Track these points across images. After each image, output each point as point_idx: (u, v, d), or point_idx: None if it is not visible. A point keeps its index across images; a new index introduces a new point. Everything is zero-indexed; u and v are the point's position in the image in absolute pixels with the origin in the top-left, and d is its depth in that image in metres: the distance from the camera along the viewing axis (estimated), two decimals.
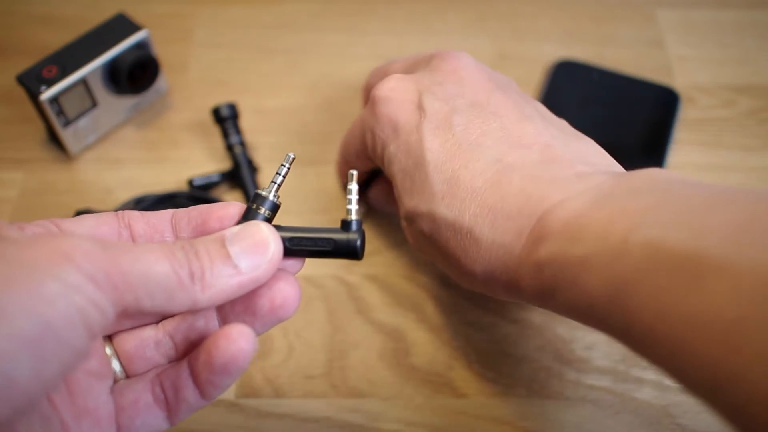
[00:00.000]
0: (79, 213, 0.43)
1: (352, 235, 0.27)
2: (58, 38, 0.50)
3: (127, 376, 0.28)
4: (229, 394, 0.38)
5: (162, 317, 0.28)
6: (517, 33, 0.56)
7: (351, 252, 0.27)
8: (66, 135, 0.47)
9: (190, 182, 0.46)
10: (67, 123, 0.46)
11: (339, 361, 0.40)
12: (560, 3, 0.58)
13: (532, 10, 0.58)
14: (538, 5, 0.58)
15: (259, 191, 0.27)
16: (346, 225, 0.27)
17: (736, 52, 0.55)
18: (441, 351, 0.40)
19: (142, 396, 0.27)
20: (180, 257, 0.24)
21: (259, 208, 0.27)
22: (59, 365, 0.21)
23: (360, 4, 0.58)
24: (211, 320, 0.28)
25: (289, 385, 0.39)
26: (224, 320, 0.28)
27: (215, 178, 0.46)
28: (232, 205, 0.28)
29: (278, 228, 0.27)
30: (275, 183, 0.28)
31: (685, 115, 0.51)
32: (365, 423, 0.38)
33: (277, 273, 0.27)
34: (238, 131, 0.47)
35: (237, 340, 0.25)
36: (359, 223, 0.27)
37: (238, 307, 0.27)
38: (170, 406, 0.27)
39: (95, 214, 0.27)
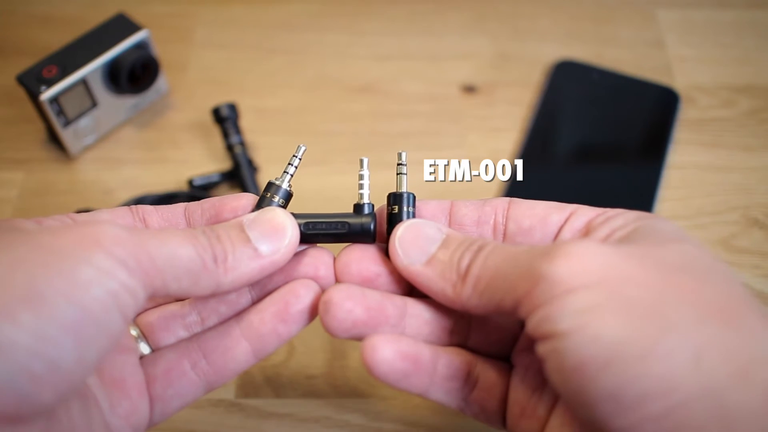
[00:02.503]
0: (79, 213, 0.43)
1: (366, 218, 0.28)
2: (58, 38, 0.50)
3: (152, 349, 0.28)
4: (229, 394, 0.38)
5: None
6: (517, 33, 0.56)
7: (365, 234, 0.28)
8: (66, 135, 0.47)
9: (190, 182, 0.46)
10: (67, 123, 0.46)
11: (339, 361, 0.40)
12: (560, 3, 0.58)
13: (532, 10, 0.58)
14: (538, 5, 0.58)
15: (273, 180, 0.28)
16: (358, 208, 0.28)
17: (736, 52, 0.55)
18: None
19: (176, 364, 0.27)
20: (203, 241, 0.24)
21: (273, 197, 0.28)
22: (97, 350, 0.21)
23: (360, 4, 0.58)
24: (244, 294, 0.28)
25: (289, 385, 0.39)
26: (261, 291, 0.29)
27: (215, 178, 0.46)
28: (245, 196, 0.28)
29: (293, 214, 0.27)
30: (287, 173, 0.28)
31: (685, 115, 0.51)
32: (365, 423, 0.38)
33: (316, 248, 0.28)
34: (238, 131, 0.47)
35: (314, 288, 0.27)
36: (371, 206, 0.28)
37: (278, 277, 0.28)
38: (215, 369, 0.27)
39: (110, 209, 0.28)
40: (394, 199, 0.28)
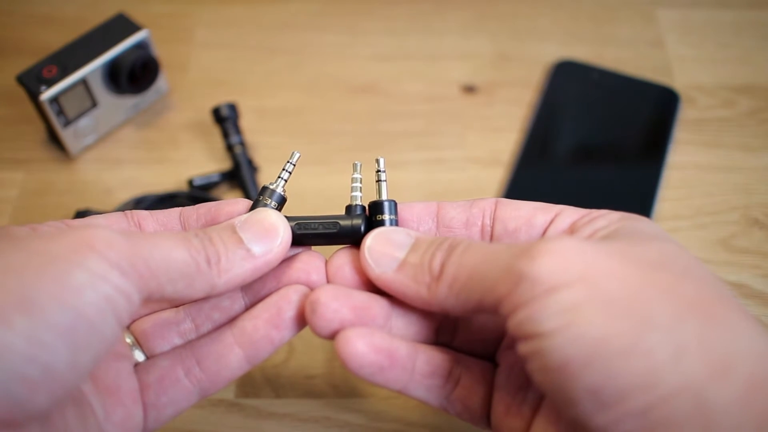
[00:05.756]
0: (79, 213, 0.43)
1: (356, 219, 0.28)
2: (58, 38, 0.50)
3: (146, 356, 0.28)
4: (229, 394, 0.38)
5: (180, 305, 0.29)
6: (517, 33, 0.56)
7: (355, 234, 0.28)
8: (66, 135, 0.47)
9: (190, 182, 0.46)
10: (67, 123, 0.46)
11: (339, 361, 0.40)
12: (560, 3, 0.58)
13: (532, 10, 0.58)
14: (538, 5, 0.58)
15: (267, 185, 0.28)
16: (350, 210, 0.28)
17: (736, 52, 0.55)
18: None
19: (169, 372, 0.27)
20: (196, 244, 0.24)
21: (266, 200, 0.28)
22: (92, 354, 0.21)
23: (360, 4, 0.58)
24: (237, 300, 0.29)
25: (289, 385, 0.39)
26: (255, 297, 0.29)
27: (215, 178, 0.46)
28: (240, 202, 0.28)
29: (285, 217, 0.28)
30: (282, 178, 0.28)
31: (685, 115, 0.51)
32: (365, 423, 0.38)
33: (307, 252, 0.28)
34: (238, 131, 0.47)
35: (306, 293, 0.27)
36: (363, 207, 0.28)
37: (270, 282, 0.28)
38: (209, 375, 0.27)
39: (104, 215, 0.28)
40: (376, 207, 0.28)
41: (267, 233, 0.26)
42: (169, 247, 0.24)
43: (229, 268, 0.25)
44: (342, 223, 0.28)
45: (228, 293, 0.28)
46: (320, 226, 0.28)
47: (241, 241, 0.25)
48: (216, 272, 0.25)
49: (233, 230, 0.26)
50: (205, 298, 0.28)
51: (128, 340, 0.28)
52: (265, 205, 0.28)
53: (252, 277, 0.26)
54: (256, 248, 0.26)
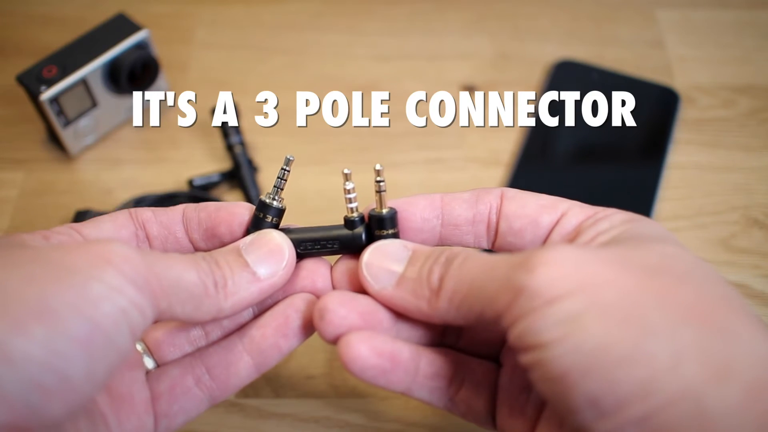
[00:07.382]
0: (79, 213, 0.43)
1: (357, 231, 0.28)
2: (58, 38, 0.50)
3: (156, 363, 0.28)
4: None
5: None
6: (517, 33, 0.56)
7: (357, 248, 0.28)
8: (66, 135, 0.47)
9: (190, 182, 0.46)
10: (67, 123, 0.46)
11: (339, 361, 0.40)
12: (560, 3, 0.58)
13: (532, 10, 0.58)
14: (538, 5, 0.58)
15: (263, 199, 0.28)
16: (349, 223, 0.28)
17: (736, 52, 0.55)
18: None
19: (180, 381, 0.27)
20: (204, 267, 0.25)
21: (266, 217, 0.28)
22: (107, 365, 0.21)
23: (360, 4, 0.58)
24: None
25: (289, 385, 0.39)
26: (262, 304, 0.29)
27: (215, 178, 0.46)
28: (239, 206, 0.28)
29: (286, 231, 0.28)
30: (278, 187, 0.28)
31: (685, 115, 0.51)
32: (365, 423, 0.38)
33: (312, 259, 0.29)
34: (238, 131, 0.47)
35: (313, 302, 0.27)
36: (362, 218, 0.28)
37: (276, 291, 0.28)
38: (218, 383, 0.28)
39: (111, 217, 0.27)
40: (375, 221, 0.27)
41: (272, 255, 0.26)
42: (180, 268, 0.24)
43: (236, 292, 0.25)
44: (343, 239, 0.28)
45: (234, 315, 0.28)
46: (323, 246, 0.28)
47: (246, 264, 0.26)
48: (223, 296, 0.25)
49: (239, 253, 0.26)
50: (212, 321, 0.28)
51: (139, 347, 0.28)
52: (265, 222, 0.28)
53: (258, 299, 0.26)
54: (262, 271, 0.26)
